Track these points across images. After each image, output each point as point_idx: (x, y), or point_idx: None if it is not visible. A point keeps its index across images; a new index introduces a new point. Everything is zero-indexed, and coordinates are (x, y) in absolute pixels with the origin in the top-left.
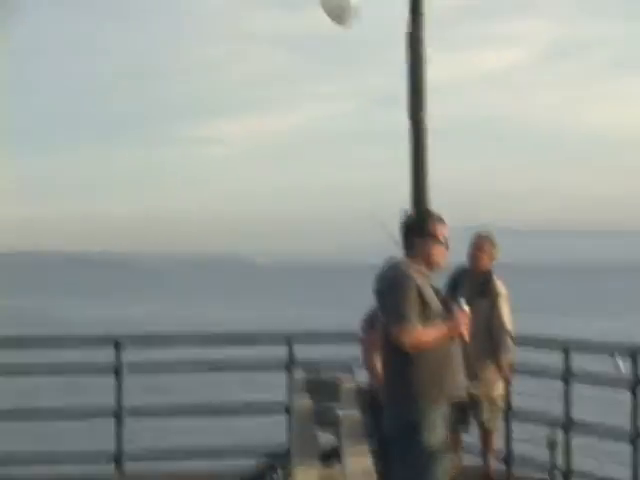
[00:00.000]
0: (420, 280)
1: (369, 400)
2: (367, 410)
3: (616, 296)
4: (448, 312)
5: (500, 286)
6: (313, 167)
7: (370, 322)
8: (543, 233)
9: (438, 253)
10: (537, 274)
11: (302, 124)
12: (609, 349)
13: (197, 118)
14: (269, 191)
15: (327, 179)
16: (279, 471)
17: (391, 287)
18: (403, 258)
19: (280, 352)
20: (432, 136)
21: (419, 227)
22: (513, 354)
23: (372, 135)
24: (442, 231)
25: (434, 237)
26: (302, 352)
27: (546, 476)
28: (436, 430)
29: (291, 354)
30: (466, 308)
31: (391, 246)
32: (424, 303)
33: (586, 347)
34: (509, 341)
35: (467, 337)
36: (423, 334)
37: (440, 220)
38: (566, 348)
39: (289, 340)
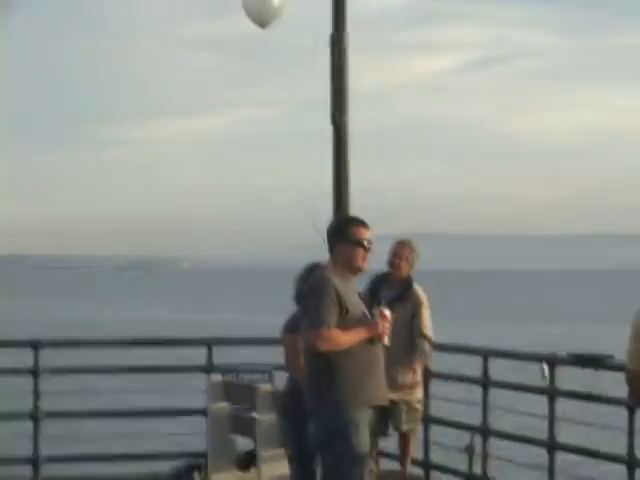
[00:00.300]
0: (340, 284)
1: (289, 405)
2: (286, 415)
3: (550, 302)
4: (369, 316)
5: (420, 292)
6: (238, 171)
7: (292, 325)
8: (479, 238)
9: (358, 257)
10: (472, 279)
11: (228, 127)
12: (528, 358)
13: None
14: (194, 194)
15: (252, 183)
16: (196, 474)
17: (309, 291)
18: (324, 262)
19: (200, 356)
20: (361, 141)
21: (339, 231)
22: (429, 359)
23: (302, 139)
24: (363, 235)
25: (354, 241)
26: (221, 356)
27: None
28: (359, 434)
29: (210, 358)
30: (387, 312)
31: (319, 245)
32: (343, 307)
33: (505, 355)
34: (427, 347)
35: (387, 341)
36: (340, 337)
37: (361, 224)
38: (485, 355)
39: (209, 344)
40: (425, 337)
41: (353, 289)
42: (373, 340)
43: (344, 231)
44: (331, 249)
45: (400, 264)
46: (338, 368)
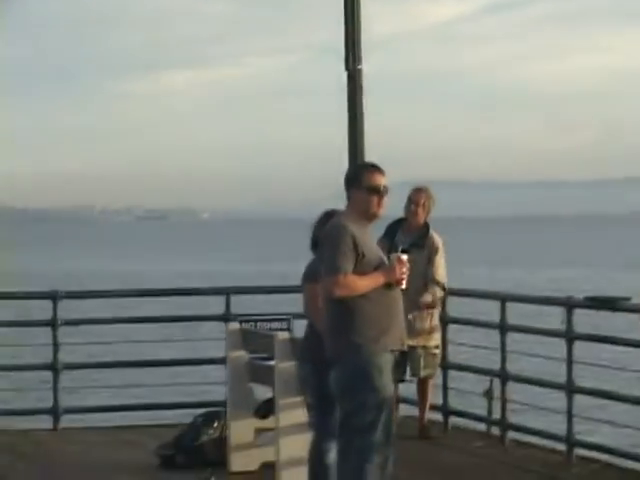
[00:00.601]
0: (356, 230)
1: (308, 352)
2: (305, 363)
3: (560, 247)
4: (387, 262)
5: (436, 239)
6: (253, 122)
7: (311, 273)
8: (495, 185)
9: (373, 203)
10: (489, 226)
11: (243, 78)
12: (546, 302)
13: (138, 71)
14: (212, 146)
15: (268, 134)
16: (215, 423)
17: (325, 238)
18: (344, 211)
19: (218, 305)
20: (376, 88)
21: (354, 178)
22: (440, 305)
23: (316, 88)
24: (378, 181)
25: (369, 187)
26: (240, 306)
27: (483, 427)
28: (382, 378)
29: (228, 307)
30: (404, 257)
31: (332, 197)
32: (359, 253)
33: (523, 299)
34: (438, 293)
35: (404, 285)
36: (356, 283)
37: (376, 169)
38: (503, 300)
39: (227, 293)
40: (437, 283)
41: (370, 235)
42: (391, 285)
43: (359, 177)
44: (347, 196)
45: (417, 211)
46: (357, 313)
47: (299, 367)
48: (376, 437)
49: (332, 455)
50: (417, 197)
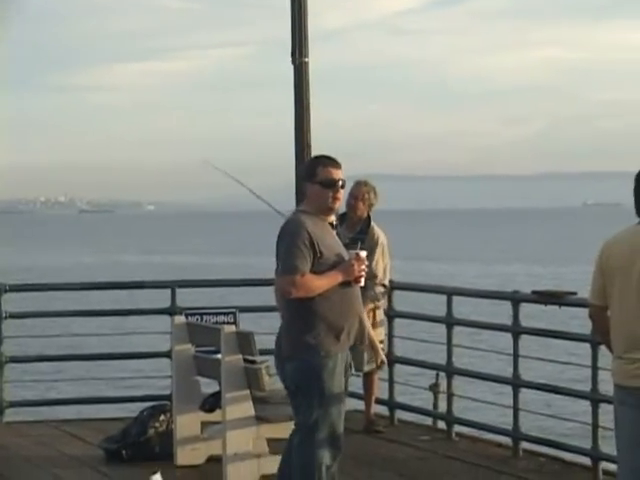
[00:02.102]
0: (314, 226)
1: (277, 348)
2: (277, 359)
3: (508, 242)
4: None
5: (377, 232)
6: (201, 115)
7: None
8: (441, 178)
9: (328, 198)
10: (437, 219)
11: (191, 71)
12: (492, 296)
13: (83, 65)
14: (160, 139)
15: (216, 127)
16: (161, 417)
17: (282, 235)
18: (301, 205)
19: (164, 299)
20: (323, 80)
21: (308, 172)
22: (379, 300)
23: (267, 81)
24: (333, 174)
25: (323, 181)
26: (186, 299)
27: (429, 421)
28: (335, 376)
29: (174, 300)
30: (363, 254)
31: (283, 190)
32: (317, 251)
33: (469, 294)
34: (377, 289)
35: (363, 283)
36: (313, 283)
37: (331, 163)
38: (449, 294)
39: (172, 287)
40: (375, 278)
41: (328, 230)
42: (349, 283)
43: (313, 171)
44: (302, 190)
45: (357, 205)
46: (313, 312)
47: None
48: (319, 436)
49: None
50: (357, 191)
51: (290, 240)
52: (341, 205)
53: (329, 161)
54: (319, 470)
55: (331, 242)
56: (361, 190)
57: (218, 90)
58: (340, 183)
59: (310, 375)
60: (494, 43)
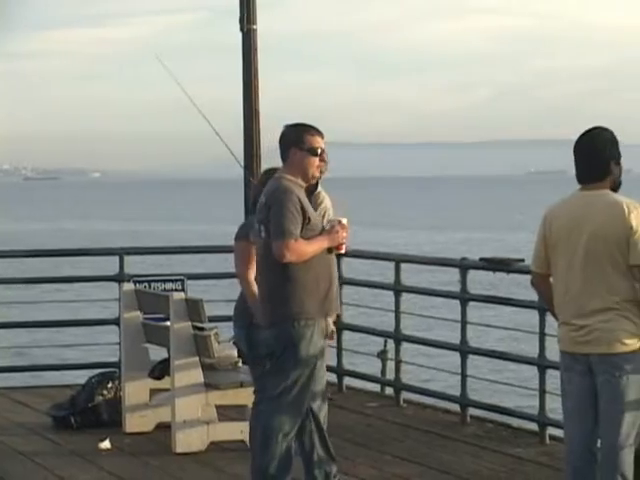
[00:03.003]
0: (299, 193)
1: (240, 317)
2: (238, 328)
3: (452, 210)
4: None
5: (324, 198)
6: (149, 84)
7: (245, 232)
8: (385, 146)
9: (313, 165)
10: (381, 186)
11: (141, 37)
12: (439, 263)
13: (27, 31)
14: (107, 108)
15: (164, 96)
16: (109, 384)
17: (273, 200)
18: (282, 171)
19: (112, 266)
20: (272, 48)
21: (295, 139)
22: None
23: (213, 48)
24: (318, 143)
25: (310, 149)
26: (134, 266)
27: (377, 388)
28: (315, 343)
29: (122, 268)
30: (345, 221)
31: (232, 160)
32: (306, 217)
33: (417, 261)
34: None
35: (344, 250)
36: (305, 248)
37: (317, 132)
38: (397, 261)
39: (120, 254)
40: None
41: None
42: (331, 250)
43: (301, 138)
44: (286, 157)
45: None
46: (295, 280)
47: (234, 330)
48: (284, 403)
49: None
50: None
51: (283, 205)
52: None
53: (314, 130)
54: (277, 437)
55: (311, 208)
56: None
57: (165, 57)
58: (323, 152)
59: (287, 343)
60: (433, 11)
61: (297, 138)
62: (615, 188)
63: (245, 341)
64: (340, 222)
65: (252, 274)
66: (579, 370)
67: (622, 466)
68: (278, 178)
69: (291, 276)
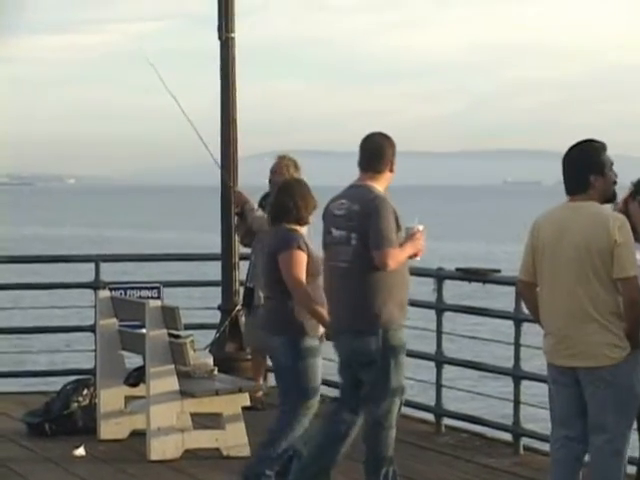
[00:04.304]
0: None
1: (279, 325)
2: (277, 335)
3: (428, 219)
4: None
5: None
6: (126, 89)
7: (285, 242)
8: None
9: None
10: None
11: (114, 44)
12: (415, 273)
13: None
14: (79, 113)
15: (141, 102)
16: (85, 391)
17: (373, 210)
18: (367, 180)
19: (88, 273)
20: (250, 56)
21: (392, 153)
22: None
23: (190, 56)
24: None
25: (393, 166)
26: (110, 273)
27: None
28: (405, 349)
29: (98, 275)
30: (421, 227)
31: (214, 166)
32: (398, 225)
33: None
34: None
35: (419, 257)
36: (401, 255)
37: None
38: None
39: (96, 261)
40: None
41: None
42: (410, 257)
43: (394, 154)
44: (378, 167)
45: (273, 179)
46: (387, 287)
47: (273, 339)
48: (388, 408)
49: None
50: (275, 166)
51: (383, 215)
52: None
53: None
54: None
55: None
56: (279, 164)
57: (137, 65)
58: None
59: (386, 350)
60: (413, 20)
61: (392, 153)
62: (608, 200)
63: (284, 351)
64: (419, 230)
65: (302, 281)
66: (565, 382)
67: (609, 474)
68: (372, 188)
69: (383, 283)
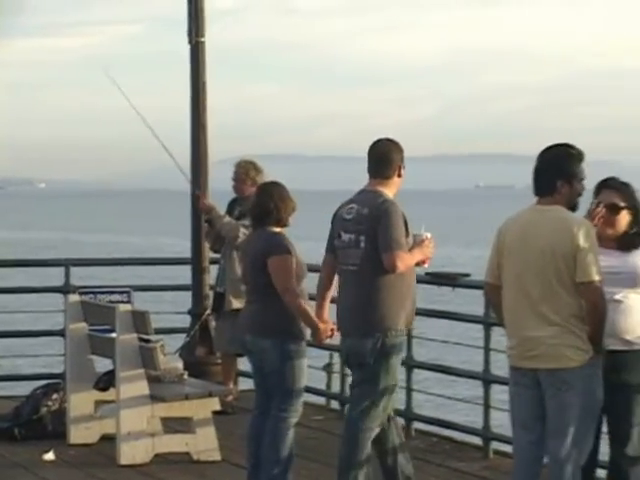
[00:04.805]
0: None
1: (270, 327)
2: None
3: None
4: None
5: None
6: (96, 93)
7: (275, 246)
8: (334, 159)
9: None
10: (333, 199)
11: (84, 48)
12: None
13: None
14: (48, 117)
15: (110, 106)
16: (54, 395)
17: (384, 213)
18: (377, 185)
19: (58, 277)
20: (220, 60)
21: (401, 158)
22: None
23: (163, 59)
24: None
25: (401, 172)
26: (80, 277)
27: (322, 401)
28: (399, 355)
29: (67, 279)
30: (429, 235)
31: (177, 171)
32: (406, 230)
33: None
34: None
35: (427, 265)
36: (411, 259)
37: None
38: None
39: (66, 265)
40: None
41: None
42: (418, 263)
43: (402, 159)
44: (386, 173)
45: (238, 186)
46: (394, 291)
47: (260, 341)
48: (372, 413)
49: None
50: (234, 173)
51: (394, 219)
52: None
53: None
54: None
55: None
56: (238, 172)
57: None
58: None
59: (380, 353)
60: (385, 25)
61: (400, 159)
62: (572, 208)
63: (273, 353)
64: (427, 237)
65: (293, 284)
66: (527, 384)
67: (565, 479)
68: (381, 192)
69: (390, 287)
